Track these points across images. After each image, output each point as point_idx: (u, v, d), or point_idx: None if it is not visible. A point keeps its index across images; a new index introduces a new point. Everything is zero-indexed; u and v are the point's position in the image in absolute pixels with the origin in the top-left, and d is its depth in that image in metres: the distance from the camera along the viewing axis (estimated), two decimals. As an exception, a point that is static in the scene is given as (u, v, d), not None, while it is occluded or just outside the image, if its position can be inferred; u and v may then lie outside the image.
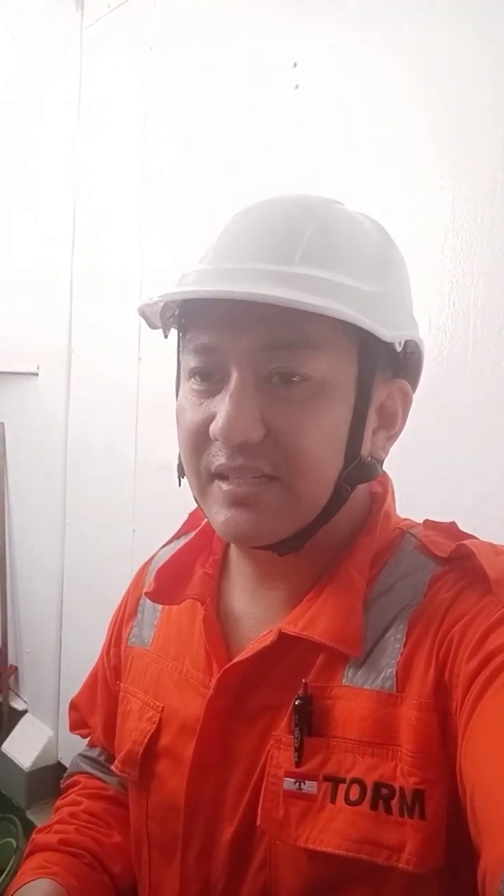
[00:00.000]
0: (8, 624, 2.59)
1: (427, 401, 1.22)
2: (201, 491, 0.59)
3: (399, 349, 0.59)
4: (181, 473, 0.63)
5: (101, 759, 0.81)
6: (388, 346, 0.57)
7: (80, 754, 0.85)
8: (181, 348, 0.61)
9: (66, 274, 2.24)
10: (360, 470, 0.59)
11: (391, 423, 0.62)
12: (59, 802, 0.80)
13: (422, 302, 1.21)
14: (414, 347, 0.62)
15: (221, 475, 0.57)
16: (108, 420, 2.06)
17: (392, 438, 0.63)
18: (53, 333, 2.28)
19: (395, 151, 1.29)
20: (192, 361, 0.58)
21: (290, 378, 0.54)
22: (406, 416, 0.63)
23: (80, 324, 2.22)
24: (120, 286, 2.00)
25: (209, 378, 0.57)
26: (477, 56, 1.17)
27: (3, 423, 2.61)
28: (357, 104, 1.36)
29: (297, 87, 1.49)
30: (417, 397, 1.21)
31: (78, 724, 0.84)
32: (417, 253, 1.25)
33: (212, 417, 0.56)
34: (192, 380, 0.58)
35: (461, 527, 0.63)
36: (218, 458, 0.56)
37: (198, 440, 0.57)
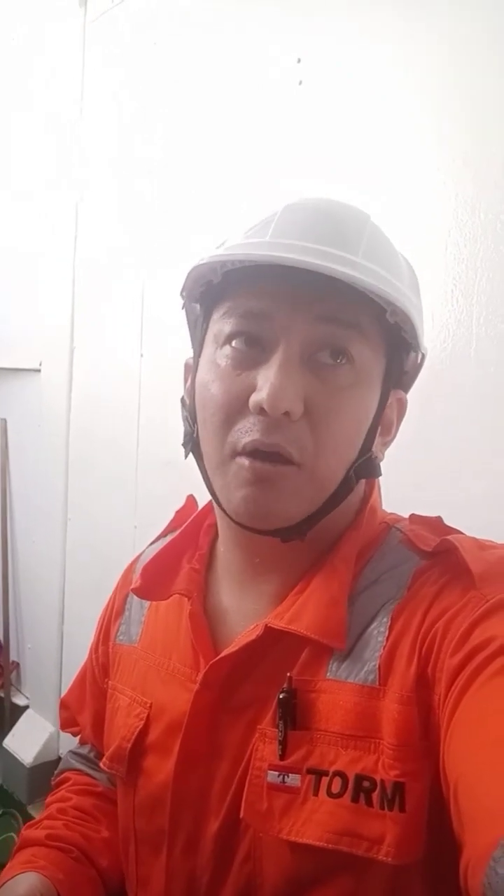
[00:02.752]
0: (10, 619, 2.60)
1: (430, 398, 1.22)
2: (220, 466, 0.58)
3: (419, 361, 0.63)
4: (189, 447, 0.63)
5: (91, 756, 0.82)
6: (407, 357, 0.62)
7: (70, 751, 0.86)
8: (212, 318, 0.60)
9: (68, 271, 2.23)
10: (369, 464, 0.61)
11: (387, 430, 0.65)
12: (49, 799, 0.80)
13: (425, 298, 1.22)
14: (418, 364, 0.66)
15: (248, 453, 0.56)
16: (111, 416, 2.06)
17: (387, 444, 0.65)
18: (55, 330, 2.28)
19: (399, 147, 1.29)
20: (230, 326, 0.57)
21: (337, 356, 0.56)
22: (399, 425, 0.66)
23: (83, 320, 2.21)
24: (122, 283, 2.00)
25: (251, 345, 0.57)
26: (484, 52, 1.16)
27: (5, 420, 2.62)
28: (361, 100, 1.36)
29: (300, 82, 1.49)
30: (420, 394, 1.21)
31: (68, 723, 0.85)
32: (421, 249, 1.25)
33: (250, 389, 0.55)
34: (229, 345, 0.57)
35: (466, 522, 0.64)
36: (251, 433, 0.55)
37: (230, 412, 0.57)
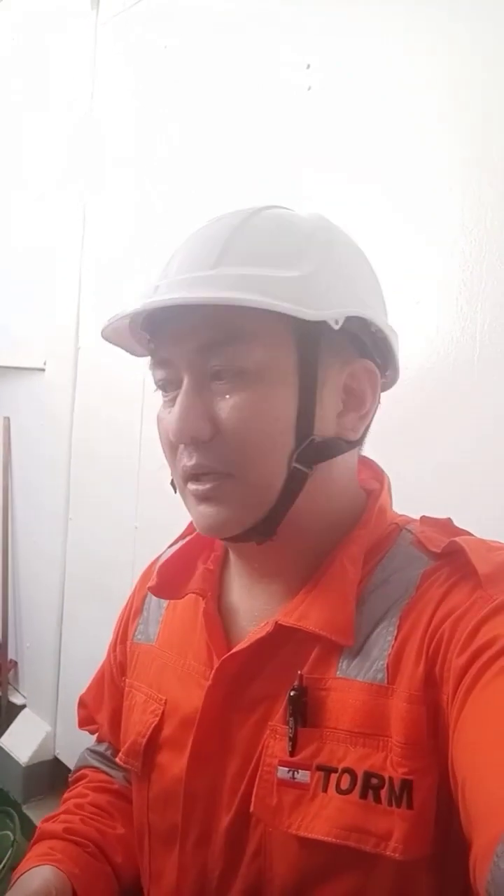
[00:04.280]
0: (8, 618, 2.60)
1: (433, 404, 1.22)
2: (181, 492, 0.64)
3: (336, 326, 0.58)
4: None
5: (108, 753, 0.84)
6: (336, 327, 0.58)
7: (88, 749, 0.87)
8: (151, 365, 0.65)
9: (74, 270, 2.24)
10: (314, 450, 0.60)
11: (360, 404, 0.62)
12: (66, 795, 0.82)
13: (430, 306, 1.22)
14: (375, 327, 0.62)
15: (189, 477, 0.61)
16: (114, 416, 2.07)
17: (364, 418, 0.63)
18: (61, 329, 2.29)
19: (407, 154, 1.29)
20: (156, 375, 0.63)
21: (227, 374, 0.58)
22: (376, 395, 0.63)
23: (88, 320, 2.22)
24: (129, 283, 2.00)
25: (169, 388, 0.61)
26: (494, 57, 1.17)
27: (8, 418, 2.62)
28: (369, 106, 1.36)
29: (309, 88, 1.49)
30: (424, 400, 1.21)
31: (86, 721, 0.87)
32: (426, 256, 1.26)
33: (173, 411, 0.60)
34: (160, 392, 0.63)
35: (469, 527, 0.64)
36: (182, 460, 0.60)
37: (170, 445, 0.62)
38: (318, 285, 0.58)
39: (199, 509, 0.61)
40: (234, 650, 0.62)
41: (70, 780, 0.86)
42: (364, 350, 0.62)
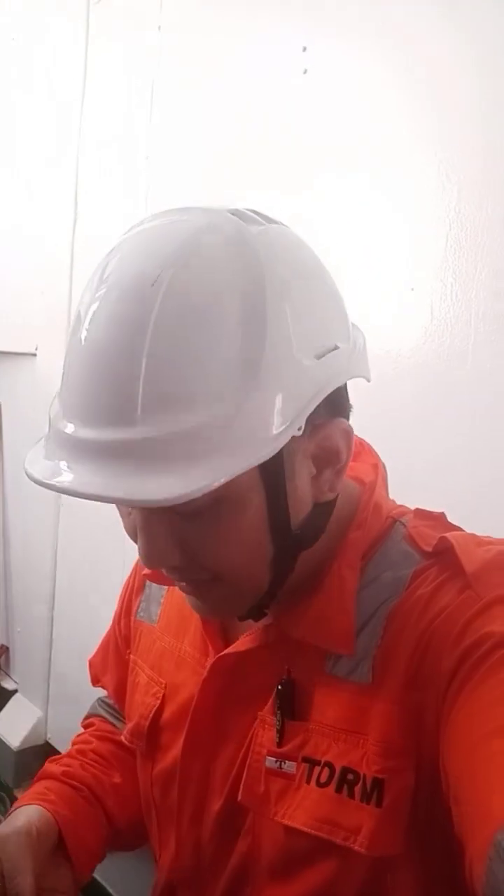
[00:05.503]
0: (-1, 604, 2.60)
1: (426, 394, 1.22)
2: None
3: (300, 433, 0.50)
4: None
5: (117, 706, 0.88)
6: (300, 434, 0.51)
7: (99, 699, 0.93)
8: None
9: (66, 255, 2.22)
10: (296, 543, 0.57)
11: (335, 459, 0.57)
12: (74, 739, 0.88)
13: (423, 293, 1.22)
14: (333, 392, 0.54)
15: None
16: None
17: (340, 472, 0.57)
18: (52, 314, 2.27)
19: (404, 138, 1.28)
20: None
21: (183, 510, 0.51)
22: (350, 448, 0.57)
23: (80, 305, 2.20)
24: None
25: None
26: (493, 44, 1.15)
27: (0, 403, 2.61)
28: (366, 90, 1.35)
29: (305, 71, 1.47)
30: (418, 392, 1.20)
31: (96, 680, 0.90)
32: (420, 243, 1.25)
33: (137, 531, 0.54)
34: None
35: (458, 519, 0.64)
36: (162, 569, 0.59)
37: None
38: (266, 405, 0.48)
39: (190, 599, 0.61)
40: (228, 651, 0.63)
41: (81, 725, 0.91)
42: (334, 405, 0.56)
